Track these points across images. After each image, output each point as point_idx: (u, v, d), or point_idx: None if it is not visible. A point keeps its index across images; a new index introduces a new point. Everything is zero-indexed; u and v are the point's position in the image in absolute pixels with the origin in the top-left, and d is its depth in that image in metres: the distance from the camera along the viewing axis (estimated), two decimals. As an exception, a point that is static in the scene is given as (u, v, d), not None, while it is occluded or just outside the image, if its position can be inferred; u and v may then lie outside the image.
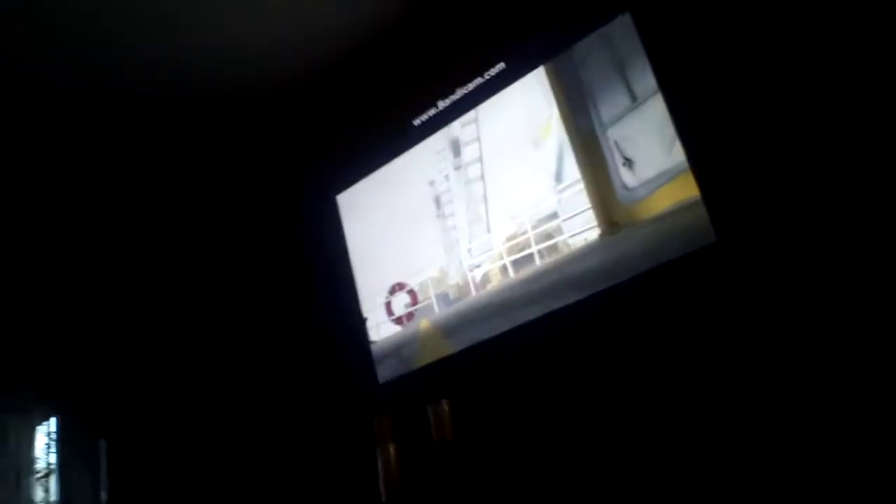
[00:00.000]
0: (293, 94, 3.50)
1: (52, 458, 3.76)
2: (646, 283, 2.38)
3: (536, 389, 2.58)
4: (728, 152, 2.29)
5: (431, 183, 3.11)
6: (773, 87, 2.26)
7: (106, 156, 3.63)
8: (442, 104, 3.09)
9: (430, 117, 3.13)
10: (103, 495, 3.71)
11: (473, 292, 2.90)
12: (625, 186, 2.53)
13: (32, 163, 3.54)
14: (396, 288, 3.15)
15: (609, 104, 2.60)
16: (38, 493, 3.70)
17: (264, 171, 3.81)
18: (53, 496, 3.68)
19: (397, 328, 3.11)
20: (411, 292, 3.10)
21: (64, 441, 3.81)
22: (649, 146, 2.48)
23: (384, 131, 3.26)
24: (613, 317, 2.46)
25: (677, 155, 2.38)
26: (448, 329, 2.94)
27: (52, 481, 3.73)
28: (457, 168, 3.04)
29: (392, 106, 3.32)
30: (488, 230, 2.91)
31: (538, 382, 2.58)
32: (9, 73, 3.00)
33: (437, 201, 3.09)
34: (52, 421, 3.87)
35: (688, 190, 2.34)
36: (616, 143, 2.56)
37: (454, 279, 2.97)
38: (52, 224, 3.90)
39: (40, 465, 3.76)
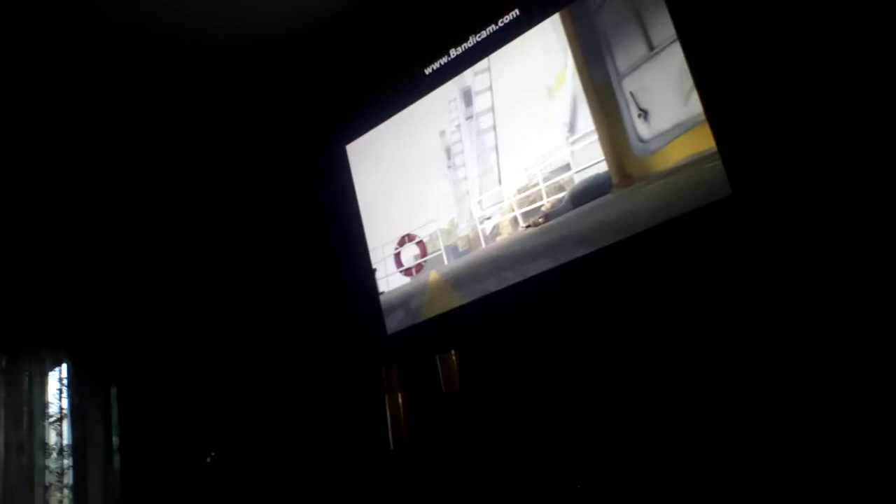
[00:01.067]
0: (305, 48, 3.43)
1: (65, 404, 3.81)
2: (659, 236, 2.36)
3: (545, 343, 2.58)
4: (745, 104, 2.24)
5: (442, 133, 3.07)
6: (794, 37, 2.19)
7: (126, 111, 3.62)
8: (454, 52, 3.03)
9: (441, 66, 3.07)
10: (115, 440, 3.77)
11: (483, 244, 2.88)
12: (639, 138, 2.49)
13: (61, 115, 3.53)
14: (406, 239, 3.13)
15: (625, 53, 2.54)
16: (52, 437, 3.76)
17: (276, 123, 3.76)
18: (67, 440, 3.74)
19: (406, 279, 3.11)
20: (420, 244, 3.08)
21: (76, 386, 3.85)
22: (665, 97, 2.43)
23: (395, 80, 3.21)
24: (625, 271, 2.44)
25: (694, 106, 2.33)
26: (457, 281, 2.93)
27: (66, 426, 3.78)
28: (468, 118, 3.00)
29: (403, 54, 3.26)
30: (499, 182, 2.87)
31: (546, 336, 2.58)
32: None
33: (448, 152, 3.05)
34: (64, 367, 3.90)
35: (703, 142, 2.30)
36: (632, 94, 2.51)
37: (464, 231, 2.95)
38: (71, 174, 3.89)
39: (53, 409, 3.81)
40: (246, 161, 3.86)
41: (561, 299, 2.57)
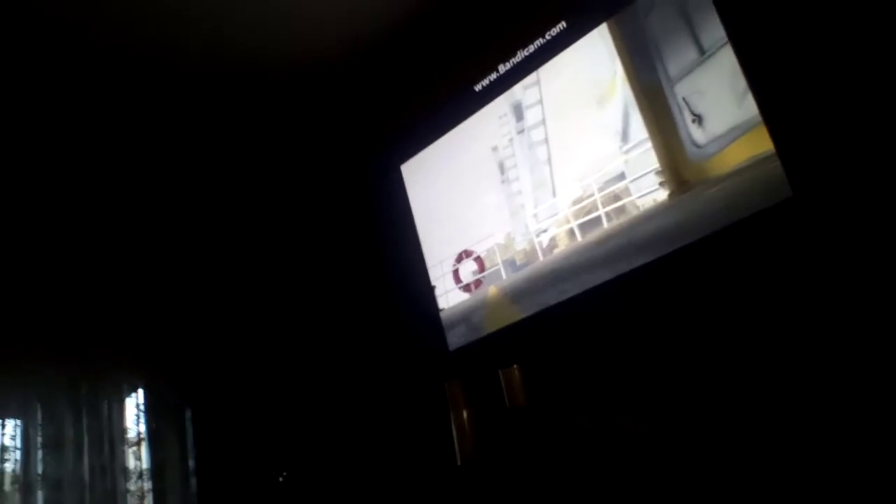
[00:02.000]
0: (355, 67, 3.51)
1: (142, 428, 3.95)
2: (719, 242, 2.32)
3: (608, 353, 2.56)
4: (803, 103, 2.19)
5: (494, 148, 3.09)
6: (849, 32, 2.14)
7: (184, 134, 3.74)
8: (503, 68, 3.06)
9: (491, 82, 3.10)
10: (191, 462, 3.89)
11: (540, 257, 2.88)
12: (694, 143, 2.46)
13: (136, 142, 3.70)
14: (463, 255, 3.16)
15: (676, 58, 2.52)
16: (132, 461, 3.90)
17: (330, 146, 3.85)
18: (145, 463, 3.88)
19: (465, 295, 3.13)
20: (478, 259, 3.10)
21: (152, 411, 4.00)
22: (719, 100, 2.40)
23: (446, 98, 3.25)
24: (686, 278, 2.41)
25: (749, 108, 2.30)
26: (516, 295, 2.94)
27: (144, 449, 3.93)
28: (520, 132, 3.01)
29: (452, 73, 3.30)
30: (554, 194, 2.88)
31: (609, 346, 2.56)
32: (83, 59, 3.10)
33: (501, 167, 3.07)
34: (140, 392, 4.05)
35: (761, 144, 2.26)
36: (684, 99, 2.49)
37: (521, 245, 2.96)
38: (139, 201, 4.06)
39: (131, 434, 3.95)
40: (303, 185, 3.95)
41: (623, 308, 2.55)
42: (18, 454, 3.53)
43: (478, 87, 3.14)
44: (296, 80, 3.54)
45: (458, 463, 2.49)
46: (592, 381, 2.60)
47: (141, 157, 3.81)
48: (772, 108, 2.25)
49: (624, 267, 2.57)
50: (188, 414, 3.96)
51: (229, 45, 3.22)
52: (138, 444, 3.93)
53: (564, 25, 2.86)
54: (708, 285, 2.34)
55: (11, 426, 3.59)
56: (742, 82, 2.31)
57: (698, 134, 2.45)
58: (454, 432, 2.50)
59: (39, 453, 3.55)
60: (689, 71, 2.49)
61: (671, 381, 2.37)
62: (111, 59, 3.15)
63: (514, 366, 2.48)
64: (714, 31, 2.40)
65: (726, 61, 2.36)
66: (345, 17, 3.19)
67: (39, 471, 3.52)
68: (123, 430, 3.91)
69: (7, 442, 3.54)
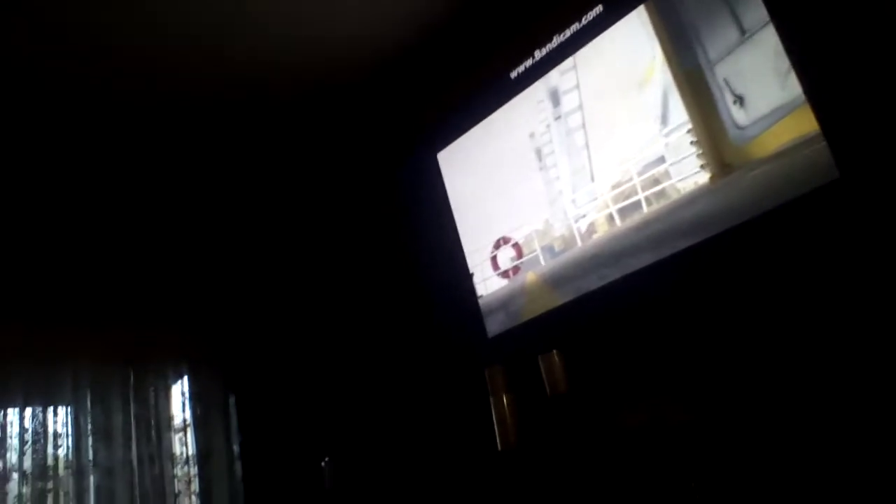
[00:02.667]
0: (389, 59, 3.52)
1: (188, 415, 4.05)
2: (763, 225, 2.29)
3: (650, 339, 2.55)
4: (848, 81, 2.14)
5: (532, 135, 3.08)
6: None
7: (235, 131, 3.83)
8: (539, 53, 3.04)
9: (527, 68, 3.08)
10: (235, 448, 3.97)
11: (579, 243, 2.87)
12: (736, 125, 2.42)
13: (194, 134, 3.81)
14: (501, 242, 3.16)
15: (716, 40, 2.48)
16: (177, 447, 4.00)
17: (367, 139, 3.87)
18: (191, 449, 3.98)
19: (504, 282, 3.13)
20: (516, 245, 3.10)
21: (196, 398, 4.09)
22: (761, 81, 2.36)
23: (481, 86, 3.24)
24: (728, 262, 2.38)
25: (793, 88, 2.25)
26: (555, 281, 2.93)
27: (189, 436, 4.02)
28: (557, 118, 2.99)
29: (488, 59, 3.29)
30: (592, 179, 2.86)
31: (652, 332, 2.55)
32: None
33: (539, 153, 3.06)
34: (184, 380, 4.15)
35: (805, 125, 2.22)
36: (725, 81, 2.45)
37: (559, 230, 2.95)
38: (192, 196, 4.16)
39: (177, 420, 4.05)
40: (344, 179, 3.99)
41: (665, 293, 2.52)
42: (70, 440, 3.63)
43: (514, 74, 3.13)
44: (336, 76, 3.57)
45: (499, 449, 2.49)
46: (635, 367, 2.59)
47: (198, 153, 3.89)
48: (816, 88, 2.20)
49: (666, 251, 2.55)
50: (232, 400, 4.03)
51: (274, 44, 3.27)
52: (184, 430, 4.02)
53: (601, 9, 2.83)
54: (753, 270, 2.31)
55: (63, 413, 3.70)
56: (785, 62, 2.27)
57: (740, 115, 2.41)
58: (495, 419, 2.51)
59: (90, 440, 3.66)
60: (729, 52, 2.45)
61: (716, 368, 2.34)
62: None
63: (554, 352, 2.48)
64: (755, 10, 2.36)
65: (768, 41, 2.32)
66: (380, 15, 3.20)
67: (90, 457, 3.63)
68: (170, 417, 4.01)
69: (59, 429, 3.65)
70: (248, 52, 3.25)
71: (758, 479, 2.11)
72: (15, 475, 3.42)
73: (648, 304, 2.54)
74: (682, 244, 2.50)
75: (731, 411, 2.23)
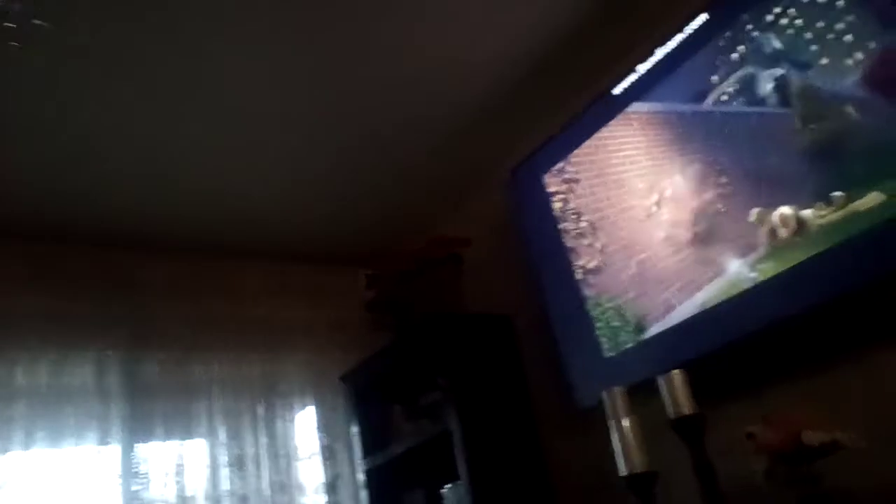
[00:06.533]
0: (497, 91, 3.54)
1: (314, 445, 4.20)
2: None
3: (782, 354, 2.43)
4: None
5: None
6: None
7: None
8: (641, 68, 2.98)
9: (630, 84, 3.03)
10: (359, 476, 4.06)
11: (696, 258, 2.77)
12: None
13: None
14: (613, 261, 3.09)
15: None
16: (306, 477, 4.13)
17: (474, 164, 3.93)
18: (319, 478, 4.11)
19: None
20: (630, 263, 3.03)
21: (322, 428, 4.24)
22: None
23: (585, 105, 3.22)
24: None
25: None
26: (673, 298, 2.84)
27: (316, 464, 4.16)
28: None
29: (589, 77, 3.27)
30: (705, 193, 2.76)
31: (785, 346, 2.42)
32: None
33: (646, 169, 2.99)
34: (309, 409, 4.30)
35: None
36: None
37: (673, 246, 2.86)
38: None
39: (304, 450, 4.19)
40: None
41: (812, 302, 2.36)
42: (208, 471, 3.81)
43: (616, 91, 3.08)
44: (442, 109, 3.62)
45: (622, 473, 2.42)
46: (765, 386, 2.47)
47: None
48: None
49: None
50: (353, 430, 4.14)
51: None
52: (311, 459, 4.16)
53: (706, 17, 2.75)
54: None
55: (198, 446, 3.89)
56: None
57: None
58: (618, 443, 2.44)
59: (224, 471, 3.83)
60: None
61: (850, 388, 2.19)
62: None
63: (676, 371, 2.39)
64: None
65: None
66: (492, 43, 3.21)
67: (225, 487, 3.79)
68: (296, 447, 4.15)
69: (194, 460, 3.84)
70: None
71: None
72: (160, 505, 3.61)
73: (776, 317, 2.40)
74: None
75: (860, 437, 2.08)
